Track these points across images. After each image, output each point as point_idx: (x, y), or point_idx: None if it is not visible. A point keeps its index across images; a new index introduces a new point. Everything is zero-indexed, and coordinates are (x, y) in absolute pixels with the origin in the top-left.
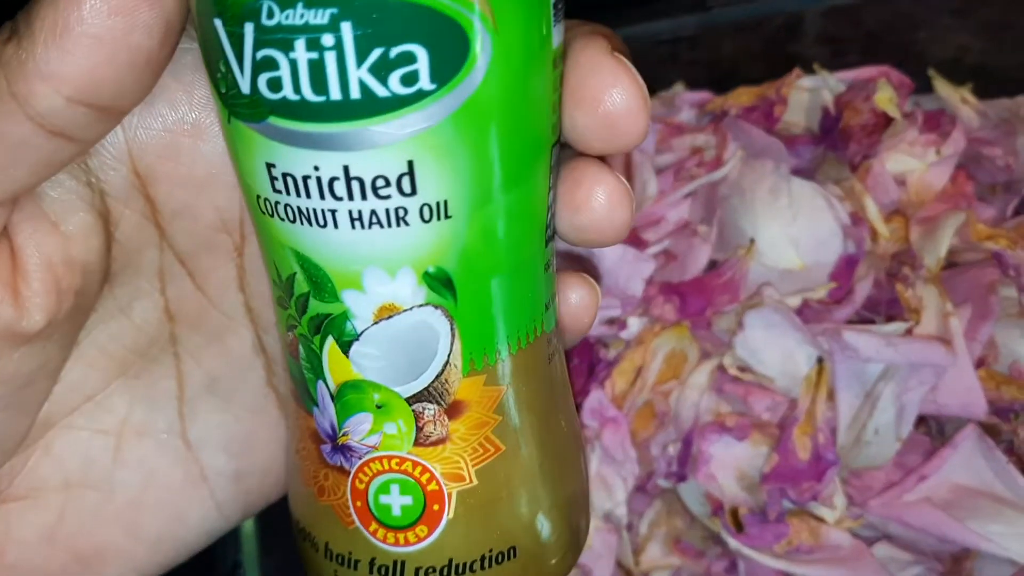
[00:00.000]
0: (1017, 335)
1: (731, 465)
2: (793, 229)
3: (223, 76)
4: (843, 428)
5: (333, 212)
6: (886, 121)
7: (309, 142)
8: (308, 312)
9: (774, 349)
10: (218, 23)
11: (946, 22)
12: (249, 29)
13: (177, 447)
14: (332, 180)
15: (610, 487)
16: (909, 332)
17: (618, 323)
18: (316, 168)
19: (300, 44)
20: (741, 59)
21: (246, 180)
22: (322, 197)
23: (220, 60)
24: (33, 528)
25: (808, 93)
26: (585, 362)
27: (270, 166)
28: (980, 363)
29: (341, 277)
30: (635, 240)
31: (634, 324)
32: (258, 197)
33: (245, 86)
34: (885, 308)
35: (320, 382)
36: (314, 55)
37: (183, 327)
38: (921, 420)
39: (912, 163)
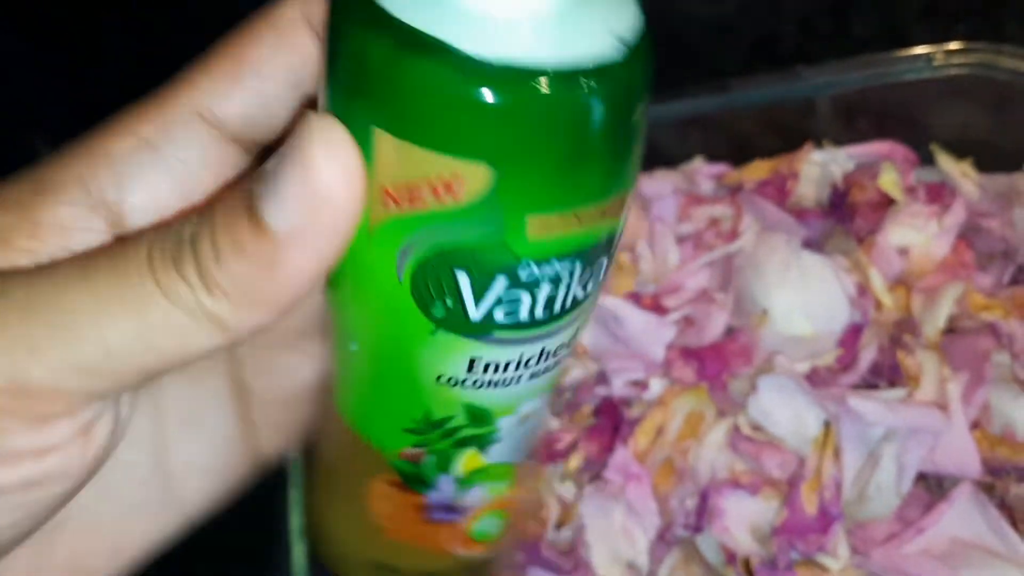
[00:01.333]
0: (1009, 399)
1: (744, 518)
2: (803, 299)
3: (444, 308)
4: (848, 484)
5: (519, 376)
6: (890, 199)
7: (524, 342)
8: (455, 437)
9: (784, 411)
10: (460, 273)
11: (950, 101)
12: (501, 280)
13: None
14: (531, 359)
15: (633, 537)
16: (910, 396)
17: (641, 385)
18: (521, 355)
19: (546, 286)
20: (757, 133)
21: (423, 365)
22: (516, 370)
23: (446, 297)
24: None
25: (819, 167)
26: (610, 421)
27: (474, 360)
28: (975, 425)
29: (502, 410)
30: (657, 307)
31: (656, 386)
32: (440, 376)
33: (476, 316)
34: (888, 373)
35: (444, 475)
36: (553, 289)
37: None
38: (921, 476)
39: (914, 236)
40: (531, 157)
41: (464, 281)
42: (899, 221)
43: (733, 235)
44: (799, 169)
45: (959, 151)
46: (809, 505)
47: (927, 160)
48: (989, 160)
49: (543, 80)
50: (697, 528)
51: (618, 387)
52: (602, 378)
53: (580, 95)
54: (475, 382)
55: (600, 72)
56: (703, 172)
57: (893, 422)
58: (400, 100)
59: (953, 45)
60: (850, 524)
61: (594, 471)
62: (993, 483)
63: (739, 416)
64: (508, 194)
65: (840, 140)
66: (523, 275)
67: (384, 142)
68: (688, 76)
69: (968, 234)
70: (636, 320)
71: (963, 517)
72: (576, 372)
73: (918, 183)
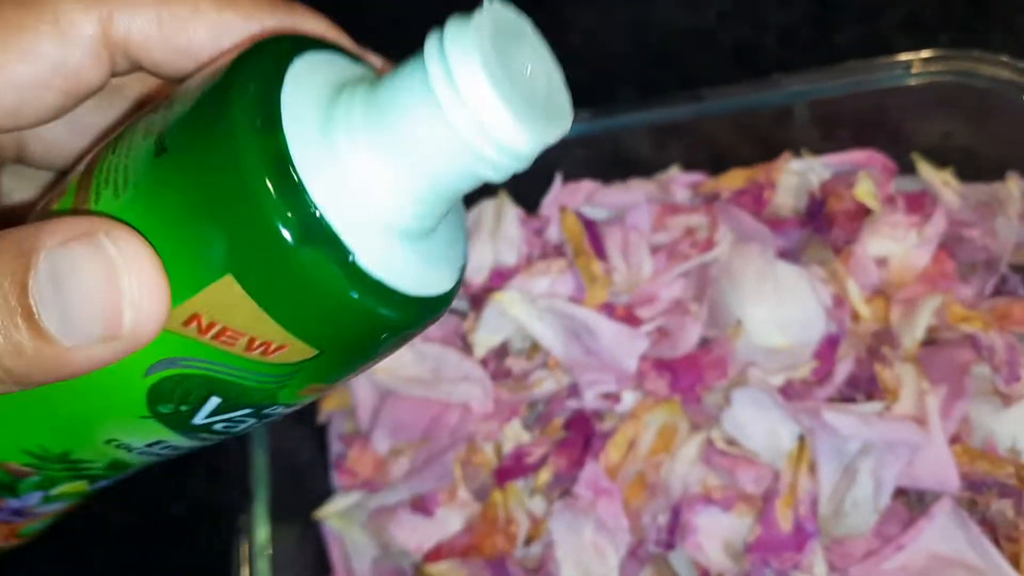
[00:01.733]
0: (990, 411)
1: (717, 535)
2: (778, 310)
3: (174, 410)
4: (824, 500)
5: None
6: (867, 209)
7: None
8: (80, 472)
9: (759, 425)
10: (214, 398)
11: (930, 110)
12: (247, 411)
13: None
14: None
15: (603, 554)
16: (887, 410)
17: (613, 398)
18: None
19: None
20: (734, 142)
21: (104, 427)
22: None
23: (182, 405)
24: None
25: (797, 176)
26: (581, 435)
27: (161, 442)
28: (955, 439)
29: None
30: (630, 318)
31: (628, 398)
32: (112, 440)
33: (198, 422)
34: (865, 385)
35: (37, 492)
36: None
37: None
38: (900, 492)
39: (893, 246)
40: (358, 352)
41: (211, 403)
42: (877, 231)
43: (708, 245)
44: (776, 178)
45: (940, 160)
46: (784, 521)
47: (908, 169)
48: (971, 169)
49: (405, 301)
50: (669, 545)
51: (590, 400)
52: (574, 390)
53: (424, 316)
54: (145, 453)
55: (440, 298)
56: (679, 181)
57: (869, 436)
58: (275, 274)
59: (932, 52)
60: (827, 540)
61: (564, 486)
62: (974, 498)
63: (713, 430)
64: (312, 369)
65: (819, 149)
66: (268, 412)
67: (228, 286)
68: (666, 85)
69: (949, 244)
70: (608, 331)
71: (943, 533)
72: (548, 384)
73: (898, 192)
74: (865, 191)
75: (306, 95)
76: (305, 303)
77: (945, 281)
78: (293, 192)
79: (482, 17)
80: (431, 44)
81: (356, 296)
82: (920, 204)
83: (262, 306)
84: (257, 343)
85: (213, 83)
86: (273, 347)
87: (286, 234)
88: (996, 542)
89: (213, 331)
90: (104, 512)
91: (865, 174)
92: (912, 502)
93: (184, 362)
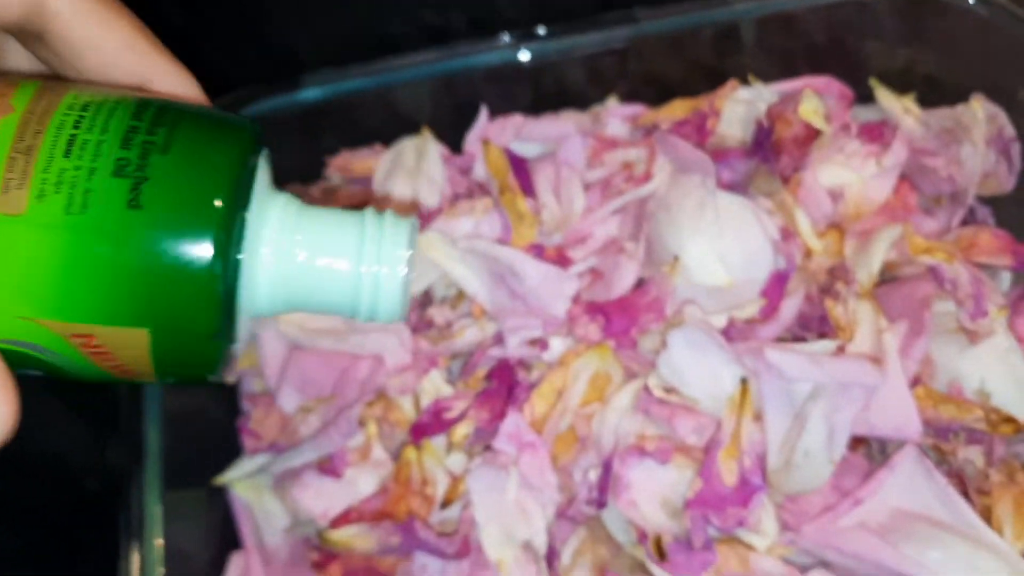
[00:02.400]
0: (955, 352)
1: (653, 491)
2: (720, 244)
3: None
4: (772, 451)
5: None
6: (817, 133)
7: None
8: None
9: (698, 369)
10: None
11: (892, 32)
12: None
13: None
14: None
15: (528, 515)
16: (841, 350)
17: (540, 344)
18: None
19: None
20: (678, 71)
21: None
22: None
23: None
24: None
25: (744, 105)
26: (504, 385)
27: None
28: (916, 381)
29: None
30: (560, 258)
31: (557, 345)
32: None
33: None
34: (817, 326)
35: None
36: None
37: None
38: (860, 441)
39: (848, 176)
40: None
41: (34, 372)
42: (830, 159)
43: (645, 178)
44: (721, 107)
45: (901, 86)
46: (727, 474)
47: (867, 99)
48: (934, 95)
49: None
50: (601, 503)
51: (514, 347)
52: (499, 339)
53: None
54: None
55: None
56: (615, 113)
57: (818, 377)
58: (181, 352)
59: None
60: (779, 498)
61: (486, 442)
62: (939, 446)
63: (649, 376)
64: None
65: (768, 76)
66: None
67: (138, 337)
68: (600, 5)
69: (911, 175)
70: (535, 272)
71: (906, 485)
72: (471, 334)
73: (851, 121)
74: (810, 109)
75: (259, 212)
76: (185, 366)
77: (907, 215)
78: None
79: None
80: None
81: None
82: (879, 133)
83: (154, 361)
84: (123, 368)
85: (203, 169)
86: (133, 373)
87: (210, 336)
88: (965, 495)
89: (95, 349)
90: (5, 490)
91: (810, 91)
92: (873, 453)
93: (44, 350)
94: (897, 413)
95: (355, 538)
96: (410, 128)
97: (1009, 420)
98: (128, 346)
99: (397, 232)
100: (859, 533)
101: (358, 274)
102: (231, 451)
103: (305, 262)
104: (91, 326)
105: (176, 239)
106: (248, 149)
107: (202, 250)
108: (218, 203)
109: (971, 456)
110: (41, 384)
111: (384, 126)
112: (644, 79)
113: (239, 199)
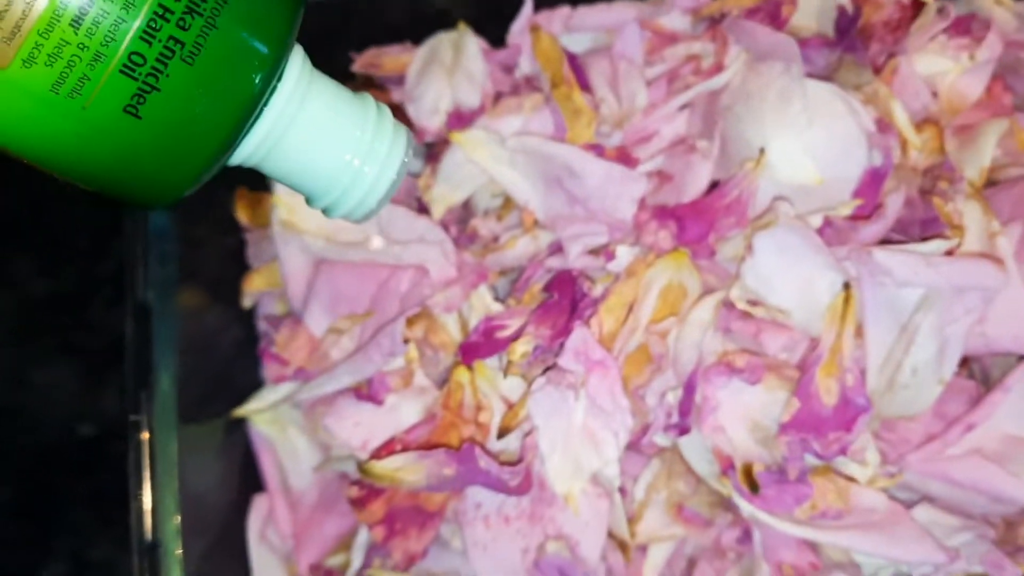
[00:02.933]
0: None
1: (742, 414)
2: (809, 138)
3: None
4: (874, 369)
5: None
6: (913, 14)
7: None
8: None
9: (790, 277)
10: None
11: None
12: None
13: None
14: None
15: (598, 443)
16: (950, 253)
17: (605, 253)
18: None
19: None
20: None
21: None
22: None
23: None
24: None
25: None
26: (567, 299)
27: None
28: None
29: None
30: (624, 158)
31: (624, 254)
32: None
33: None
34: (920, 230)
35: None
36: None
37: None
38: (963, 363)
39: (946, 64)
40: None
41: None
42: (926, 47)
43: (717, 70)
44: None
45: None
46: (826, 394)
47: None
48: None
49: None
50: (682, 429)
51: (575, 257)
52: (556, 249)
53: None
54: None
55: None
56: (676, 3)
57: (933, 280)
58: None
59: None
60: (874, 424)
61: (546, 364)
62: None
63: (732, 288)
64: None
65: None
66: None
67: None
68: None
69: (1005, 73)
70: (597, 171)
71: (1022, 407)
72: (522, 246)
73: (946, 3)
74: None
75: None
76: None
77: (1003, 113)
78: None
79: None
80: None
81: None
82: (968, 28)
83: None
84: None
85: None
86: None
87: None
88: None
89: None
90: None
91: None
92: (978, 376)
93: None
94: (1017, 324)
95: (402, 470)
96: (446, 23)
97: None
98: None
99: (398, 135)
100: (973, 462)
101: (349, 164)
102: (251, 383)
103: (304, 128)
104: None
105: (167, 159)
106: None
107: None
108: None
109: None
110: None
111: (415, 24)
112: None
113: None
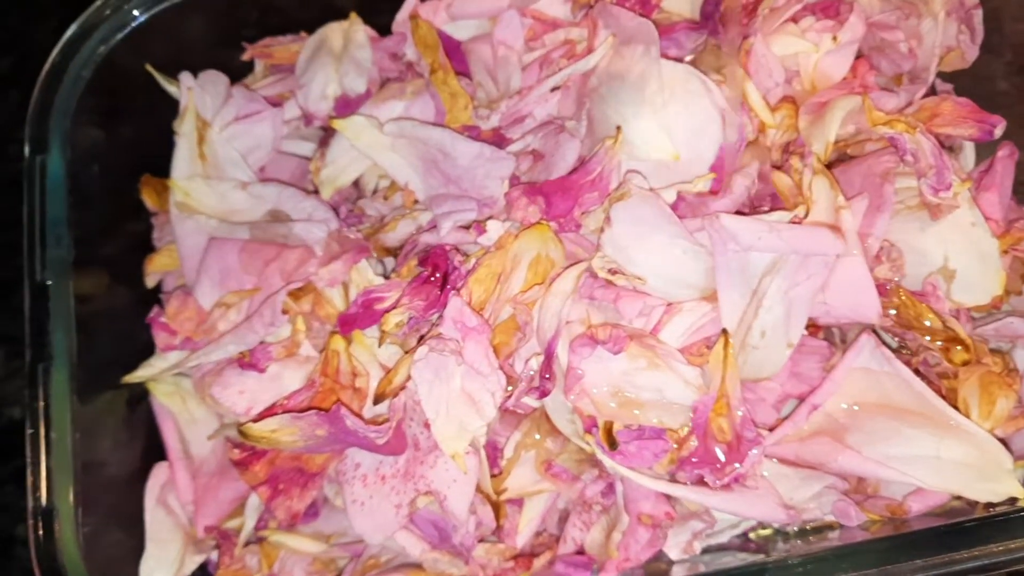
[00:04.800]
0: (916, 229)
1: (606, 380)
2: (665, 117)
3: None
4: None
5: None
6: None
7: None
8: None
9: (645, 245)
10: None
11: None
12: None
13: None
14: None
15: (477, 404)
16: (797, 223)
17: (476, 227)
18: None
19: None
20: None
21: None
22: None
23: None
24: None
25: None
26: (439, 271)
27: None
28: (877, 259)
29: None
30: (498, 140)
31: (494, 228)
32: None
33: None
34: (772, 203)
35: None
36: None
37: None
38: (820, 328)
39: (802, 45)
40: None
41: None
42: (784, 29)
43: (586, 53)
44: None
45: None
46: (720, 433)
47: None
48: None
49: None
50: (544, 392)
51: (447, 232)
52: (433, 225)
53: None
54: None
55: None
56: None
57: (778, 245)
58: None
59: None
60: None
61: (421, 332)
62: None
63: (594, 259)
64: None
65: None
66: None
67: None
68: None
69: (870, 53)
70: (467, 152)
71: (864, 374)
72: (403, 226)
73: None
74: None
75: None
76: None
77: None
78: None
79: None
80: None
81: None
82: (835, 10)
83: None
84: None
85: None
86: None
87: None
88: (928, 381)
89: None
90: None
91: None
92: (836, 340)
93: None
94: (855, 292)
95: (277, 432)
96: (337, 13)
97: (960, 343)
98: None
99: None
100: (821, 440)
101: None
102: (147, 354)
103: None
104: None
105: None
106: None
107: None
108: None
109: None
110: None
111: (310, 15)
112: None
113: None
